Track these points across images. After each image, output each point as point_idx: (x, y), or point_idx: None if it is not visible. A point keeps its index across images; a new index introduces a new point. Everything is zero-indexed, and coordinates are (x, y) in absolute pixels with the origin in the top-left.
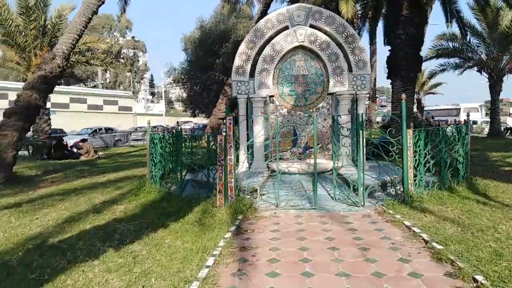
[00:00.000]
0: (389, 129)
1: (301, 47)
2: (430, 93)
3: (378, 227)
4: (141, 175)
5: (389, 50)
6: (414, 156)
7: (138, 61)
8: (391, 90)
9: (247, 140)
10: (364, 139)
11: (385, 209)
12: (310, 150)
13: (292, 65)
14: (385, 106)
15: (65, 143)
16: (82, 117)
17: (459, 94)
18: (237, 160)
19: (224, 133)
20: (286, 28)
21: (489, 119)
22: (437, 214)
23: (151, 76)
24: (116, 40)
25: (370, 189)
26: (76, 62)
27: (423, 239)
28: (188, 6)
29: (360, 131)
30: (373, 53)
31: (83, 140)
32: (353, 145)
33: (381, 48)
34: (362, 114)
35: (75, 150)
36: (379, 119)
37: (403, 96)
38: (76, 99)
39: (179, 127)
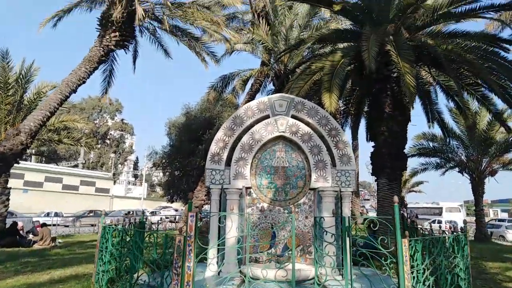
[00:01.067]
0: (380, 238)
1: (282, 137)
2: (412, 191)
3: None
4: (91, 274)
5: (372, 147)
6: (412, 273)
7: (124, 143)
8: (374, 185)
9: (219, 238)
10: (351, 245)
11: None
12: (290, 251)
13: (272, 155)
14: (368, 199)
15: (20, 228)
16: (56, 197)
17: (438, 191)
18: (205, 260)
19: (184, 233)
20: (267, 117)
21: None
22: None
23: (137, 158)
24: (105, 121)
25: None
26: (48, 140)
27: None
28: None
29: (347, 238)
30: (355, 148)
31: (43, 225)
32: (338, 249)
33: (362, 143)
34: (348, 217)
35: (30, 236)
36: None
37: (396, 199)
38: (51, 178)
39: (144, 217)
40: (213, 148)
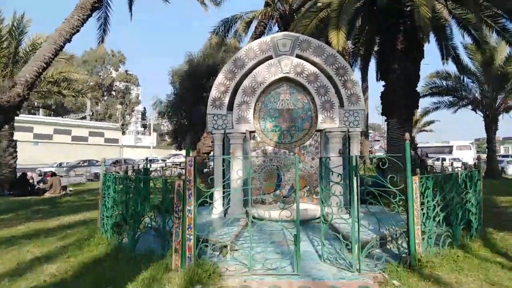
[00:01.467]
0: (389, 176)
1: (286, 79)
2: (423, 130)
3: None
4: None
5: (383, 86)
6: (422, 209)
7: (130, 94)
8: (384, 127)
9: (223, 182)
10: (359, 184)
11: (387, 278)
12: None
13: (276, 98)
14: (378, 141)
15: (30, 178)
16: (66, 149)
17: (449, 131)
18: (211, 203)
19: (183, 178)
20: (270, 58)
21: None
22: None
23: (144, 108)
24: (109, 73)
25: (368, 250)
26: (48, 92)
27: None
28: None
29: (354, 177)
30: (365, 90)
31: (52, 174)
32: (345, 189)
33: (372, 85)
34: (356, 156)
35: (41, 185)
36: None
37: (407, 136)
38: (60, 130)
39: (147, 164)
40: (214, 92)
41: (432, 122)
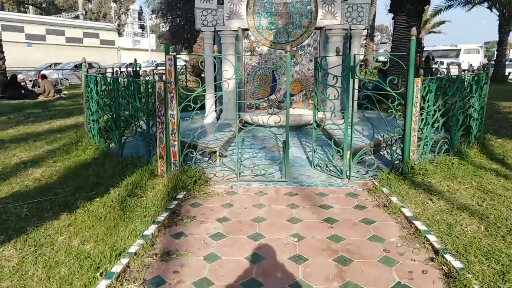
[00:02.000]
0: (389, 78)
1: None
2: (432, 32)
3: (366, 216)
4: None
5: None
6: (421, 115)
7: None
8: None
9: (215, 85)
10: (356, 88)
11: (377, 186)
12: (292, 98)
13: None
14: (385, 43)
15: (21, 80)
16: (60, 50)
17: (457, 33)
18: (194, 107)
19: (163, 79)
20: None
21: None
22: (447, 196)
23: (140, 8)
24: None
25: (359, 157)
26: None
27: (431, 244)
28: None
29: (351, 79)
30: (370, 3)
31: (43, 77)
32: (342, 92)
33: None
34: (355, 56)
35: (36, 89)
36: (382, 58)
37: (413, 31)
38: (53, 30)
39: (137, 67)
40: None
41: (442, 22)
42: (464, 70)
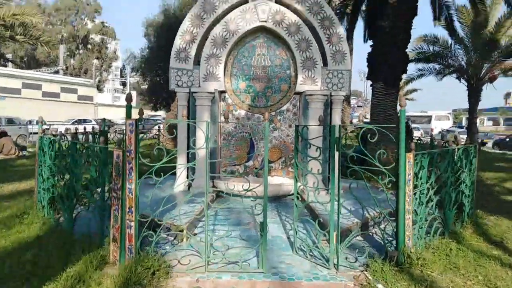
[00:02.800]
0: (379, 151)
1: (263, 29)
2: (406, 98)
3: None
4: None
5: (371, 46)
6: (414, 194)
7: (107, 48)
8: (366, 93)
9: (188, 149)
10: (340, 161)
11: (370, 280)
12: (270, 165)
13: (251, 52)
14: (361, 106)
15: None
16: (36, 105)
17: (428, 100)
18: (156, 181)
19: (123, 147)
20: (245, 2)
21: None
22: None
23: (123, 65)
24: (84, 24)
25: (348, 241)
26: None
27: None
28: None
29: (336, 152)
30: (349, 52)
31: (2, 134)
32: (324, 163)
33: (356, 48)
34: (339, 126)
35: None
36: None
37: (403, 102)
38: (29, 84)
39: (105, 125)
40: (178, 42)
41: (415, 90)
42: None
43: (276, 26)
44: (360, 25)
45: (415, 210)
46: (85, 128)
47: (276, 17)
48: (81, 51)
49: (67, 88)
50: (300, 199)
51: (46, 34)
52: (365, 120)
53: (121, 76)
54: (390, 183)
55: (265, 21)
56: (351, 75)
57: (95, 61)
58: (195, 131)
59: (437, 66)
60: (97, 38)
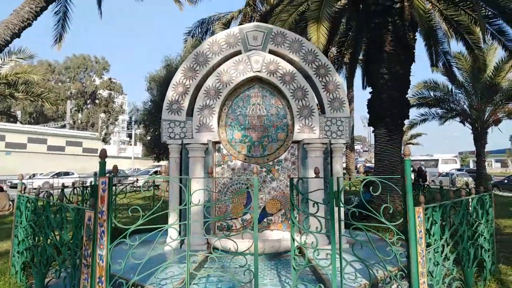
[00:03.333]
0: (384, 206)
1: (258, 79)
2: (410, 143)
3: None
4: None
5: (370, 93)
6: (428, 253)
7: (114, 102)
8: (371, 140)
9: (180, 203)
10: (343, 220)
11: None
12: (270, 218)
13: (246, 102)
14: (367, 151)
15: None
16: (41, 159)
17: (433, 143)
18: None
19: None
20: (239, 53)
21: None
22: None
23: (130, 118)
24: (92, 80)
25: None
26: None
27: None
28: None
29: (336, 208)
30: (350, 100)
31: None
32: (326, 214)
33: (358, 94)
34: (338, 179)
35: None
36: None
37: (407, 150)
38: (34, 139)
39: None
40: (171, 94)
41: (419, 135)
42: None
43: (270, 75)
44: (359, 73)
45: (430, 272)
46: (63, 184)
47: (270, 67)
48: (88, 106)
49: (72, 141)
50: (299, 257)
51: (53, 91)
52: (367, 165)
53: (128, 129)
54: (400, 241)
55: (259, 71)
56: (351, 122)
57: (102, 115)
58: (187, 185)
59: (439, 111)
60: (104, 93)
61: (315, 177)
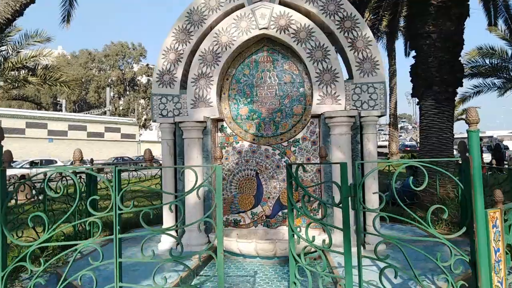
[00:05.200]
0: (432, 208)
1: (267, 39)
2: (461, 119)
3: None
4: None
5: (413, 57)
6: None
7: (152, 88)
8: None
9: (175, 197)
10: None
11: None
12: (284, 211)
13: (253, 69)
14: (415, 127)
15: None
16: (81, 145)
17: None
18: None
19: None
20: (241, 7)
21: None
22: None
23: None
24: (130, 67)
25: None
26: (13, 79)
27: None
28: None
29: (358, 204)
30: (392, 75)
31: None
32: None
33: (400, 67)
34: (355, 164)
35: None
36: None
37: (473, 114)
38: (75, 126)
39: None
40: (161, 62)
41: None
42: None
43: (280, 33)
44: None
45: None
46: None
47: (280, 22)
48: (128, 93)
49: (111, 127)
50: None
51: (95, 79)
52: (406, 143)
53: None
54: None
55: (266, 28)
56: (386, 89)
57: (142, 101)
58: (183, 172)
59: (496, 81)
60: (143, 79)
61: (321, 163)
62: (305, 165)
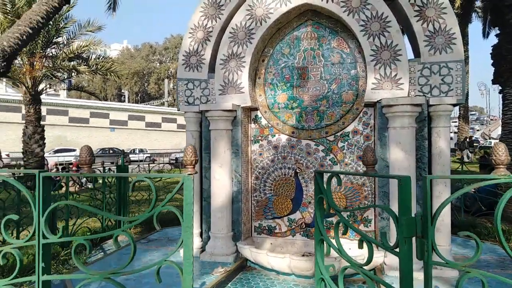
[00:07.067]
0: None
1: (311, 11)
2: None
3: None
4: None
5: (496, 35)
6: None
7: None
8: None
9: (202, 196)
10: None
11: None
12: (328, 219)
13: (294, 48)
14: (494, 119)
15: (51, 168)
16: (141, 135)
17: None
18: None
19: None
20: None
21: None
22: None
23: None
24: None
25: None
26: (62, 68)
27: None
28: None
29: (430, 252)
30: (464, 62)
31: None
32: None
33: (473, 53)
34: (426, 178)
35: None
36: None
37: None
38: (134, 116)
39: (124, 160)
40: (188, 42)
41: None
42: None
43: (327, 1)
44: (475, 25)
45: None
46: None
47: None
48: (120, 76)
49: (168, 118)
50: None
51: (155, 72)
52: (474, 137)
53: None
54: None
55: None
56: (464, 71)
57: None
58: (209, 169)
59: None
60: None
61: (365, 174)
62: (341, 175)
